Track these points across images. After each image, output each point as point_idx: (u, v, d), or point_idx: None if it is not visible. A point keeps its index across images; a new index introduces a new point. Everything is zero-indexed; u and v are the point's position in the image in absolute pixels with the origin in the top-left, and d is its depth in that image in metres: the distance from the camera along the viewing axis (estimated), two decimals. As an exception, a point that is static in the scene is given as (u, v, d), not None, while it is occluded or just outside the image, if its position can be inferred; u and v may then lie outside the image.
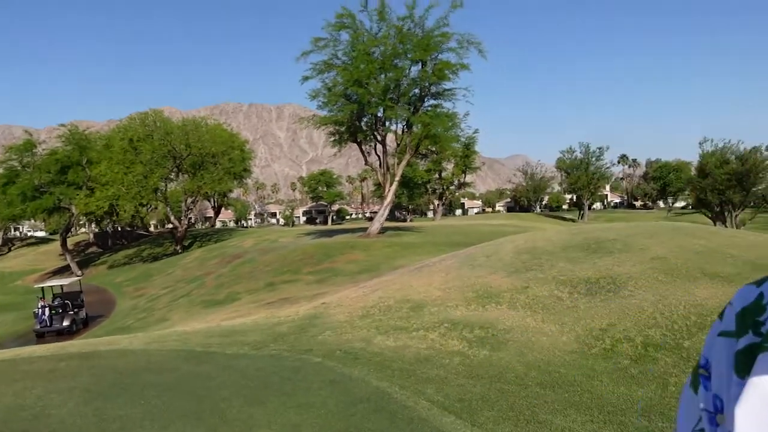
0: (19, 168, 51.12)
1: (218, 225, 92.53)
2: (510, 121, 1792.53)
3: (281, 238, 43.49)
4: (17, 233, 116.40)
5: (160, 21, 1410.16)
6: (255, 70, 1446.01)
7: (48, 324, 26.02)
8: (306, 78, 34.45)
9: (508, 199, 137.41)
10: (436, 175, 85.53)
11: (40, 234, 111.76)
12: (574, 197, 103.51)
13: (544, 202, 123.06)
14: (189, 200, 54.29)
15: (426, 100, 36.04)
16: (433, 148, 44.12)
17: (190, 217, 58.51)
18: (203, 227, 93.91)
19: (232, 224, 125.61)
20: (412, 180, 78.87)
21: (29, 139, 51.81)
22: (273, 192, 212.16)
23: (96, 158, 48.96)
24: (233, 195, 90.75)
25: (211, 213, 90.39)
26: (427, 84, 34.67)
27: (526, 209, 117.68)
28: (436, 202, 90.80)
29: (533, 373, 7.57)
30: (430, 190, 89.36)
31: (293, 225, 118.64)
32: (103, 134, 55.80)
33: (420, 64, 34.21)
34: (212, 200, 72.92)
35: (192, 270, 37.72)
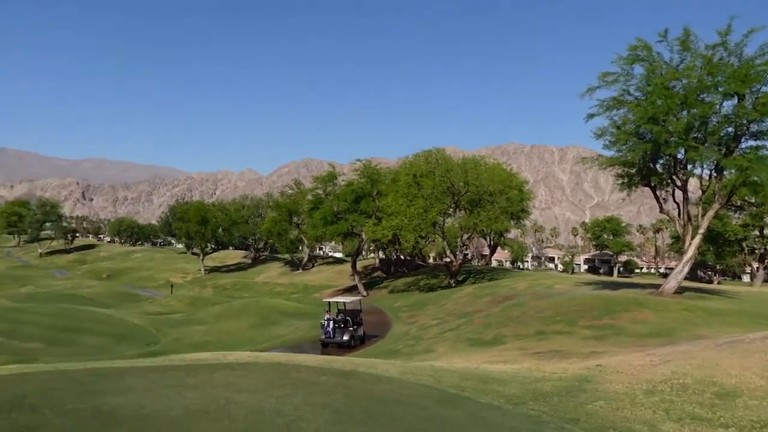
0: (323, 196, 60.90)
1: (493, 264, 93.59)
2: None
3: (557, 284, 41.12)
4: (320, 252, 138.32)
5: (443, 70, 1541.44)
6: (538, 109, 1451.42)
7: (331, 336, 29.15)
8: (591, 116, 32.02)
9: None
10: (756, 232, 72.45)
11: (338, 255, 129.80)
12: None
13: None
14: (465, 236, 55.82)
15: (743, 140, 29.83)
16: (752, 199, 36.57)
17: (466, 253, 60.19)
18: (478, 264, 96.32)
19: (507, 264, 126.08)
20: (721, 235, 69.08)
21: (332, 171, 61.61)
22: (552, 236, 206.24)
23: (384, 191, 54.84)
24: (510, 235, 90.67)
25: (486, 251, 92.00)
26: (745, 121, 28.66)
27: None
28: (755, 264, 75.80)
29: None
30: (746, 249, 76.07)
31: (572, 272, 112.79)
32: (392, 169, 62.14)
33: (735, 97, 28.60)
34: (488, 238, 73.91)
35: (463, 305, 38.23)
